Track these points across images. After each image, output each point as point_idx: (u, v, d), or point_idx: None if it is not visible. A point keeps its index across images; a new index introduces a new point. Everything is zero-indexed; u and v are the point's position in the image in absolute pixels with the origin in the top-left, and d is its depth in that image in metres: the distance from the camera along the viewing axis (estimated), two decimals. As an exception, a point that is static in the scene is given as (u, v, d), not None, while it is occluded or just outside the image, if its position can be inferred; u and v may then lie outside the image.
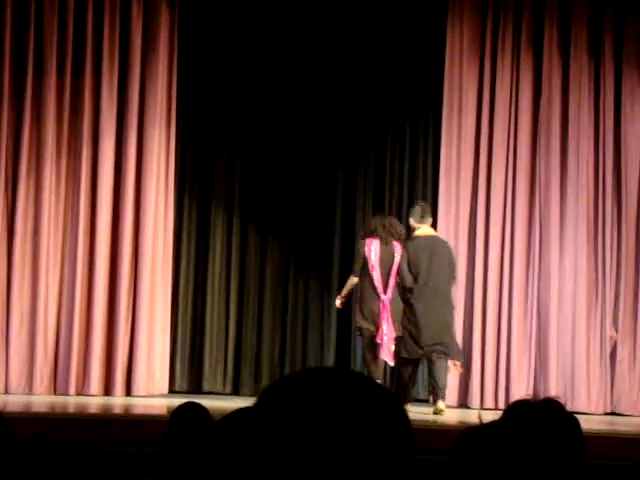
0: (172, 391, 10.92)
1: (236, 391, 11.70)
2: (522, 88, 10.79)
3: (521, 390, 10.15)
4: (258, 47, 11.69)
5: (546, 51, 10.77)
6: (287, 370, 11.81)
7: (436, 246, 9.54)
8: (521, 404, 2.71)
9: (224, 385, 11.76)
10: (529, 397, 2.77)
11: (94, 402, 9.64)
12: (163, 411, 8.56)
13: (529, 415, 2.62)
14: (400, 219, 11.42)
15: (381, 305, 9.34)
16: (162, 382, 10.67)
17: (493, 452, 2.19)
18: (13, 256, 10.21)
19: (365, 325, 9.43)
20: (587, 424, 2.93)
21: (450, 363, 9.40)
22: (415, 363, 9.50)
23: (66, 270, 10.36)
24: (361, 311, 9.48)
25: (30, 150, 10.32)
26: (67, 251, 10.39)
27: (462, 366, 9.71)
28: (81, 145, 10.44)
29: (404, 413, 1.21)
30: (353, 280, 9.62)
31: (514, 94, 10.80)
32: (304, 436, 1.15)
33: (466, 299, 10.68)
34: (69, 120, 10.44)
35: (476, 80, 10.85)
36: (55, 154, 10.37)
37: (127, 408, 9.49)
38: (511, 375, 10.50)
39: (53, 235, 10.33)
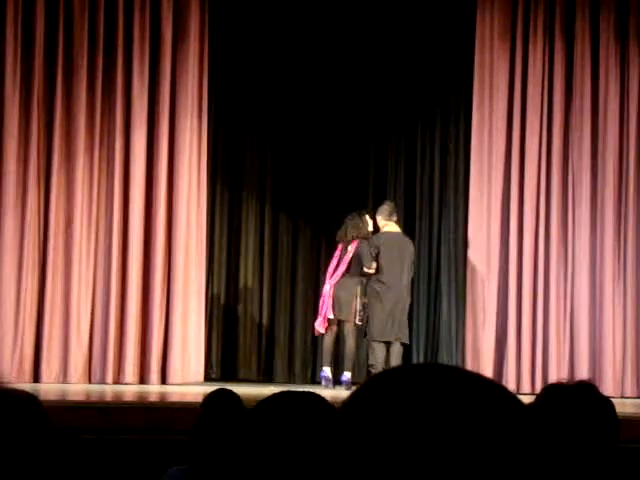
0: (207, 379, 10.96)
1: (270, 378, 11.74)
2: (554, 71, 10.71)
3: (555, 375, 10.13)
4: (289, 35, 11.68)
5: (577, 33, 10.68)
6: (319, 357, 11.81)
7: (402, 242, 10.56)
8: (555, 387, 2.70)
9: (258, 372, 11.80)
10: (563, 380, 2.75)
11: (130, 390, 9.70)
12: (198, 399, 8.58)
13: (563, 398, 2.61)
14: (431, 205, 11.53)
15: (325, 288, 10.53)
16: (197, 370, 10.71)
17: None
18: (47, 247, 10.27)
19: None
20: (620, 407, 2.91)
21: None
22: (386, 344, 10.42)
23: (100, 260, 10.41)
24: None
25: (62, 142, 10.37)
26: (101, 241, 10.44)
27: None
28: (113, 137, 10.48)
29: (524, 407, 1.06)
30: None
31: (545, 78, 10.72)
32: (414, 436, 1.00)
33: (500, 282, 10.65)
34: (101, 112, 10.48)
35: (507, 63, 10.77)
36: (87, 146, 10.41)
37: (163, 396, 9.53)
38: (546, 359, 10.46)
39: (86, 225, 10.38)
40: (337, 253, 10.58)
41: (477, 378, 1.06)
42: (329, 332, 10.54)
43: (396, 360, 10.43)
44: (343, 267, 10.46)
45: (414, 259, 10.72)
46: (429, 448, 0.99)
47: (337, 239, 10.67)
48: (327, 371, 10.44)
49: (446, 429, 1.00)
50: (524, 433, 1.03)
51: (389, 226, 10.56)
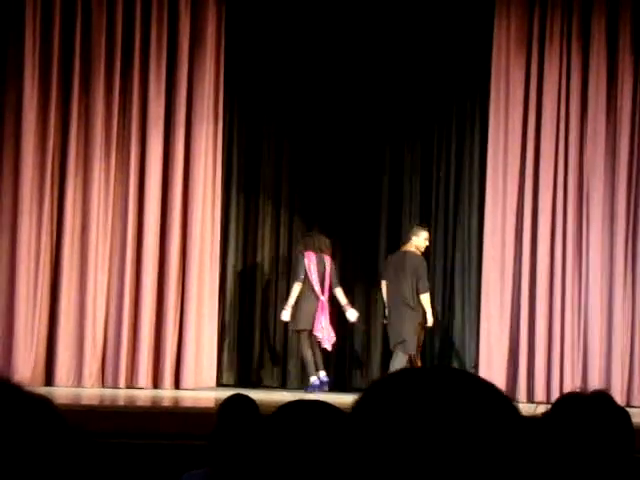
0: (220, 384, 10.97)
1: (284, 384, 11.73)
2: (570, 78, 10.70)
3: (568, 384, 10.12)
4: (305, 42, 11.69)
5: (593, 41, 10.67)
6: (332, 364, 11.81)
7: (404, 260, 10.84)
8: (570, 396, 2.69)
9: (272, 378, 11.79)
10: (578, 390, 2.74)
11: (143, 395, 9.71)
12: (211, 404, 8.60)
13: (579, 407, 2.60)
14: (446, 214, 11.56)
15: (319, 304, 10.76)
16: (210, 375, 10.72)
17: (542, 444, 2.18)
18: (62, 251, 10.29)
19: (301, 326, 10.80)
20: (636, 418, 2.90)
21: (405, 357, 10.76)
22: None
23: (114, 264, 10.43)
24: (296, 314, 10.81)
25: (78, 146, 10.40)
26: (116, 246, 10.46)
27: (418, 358, 11.04)
28: (129, 141, 10.50)
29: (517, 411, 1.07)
30: (297, 285, 10.85)
31: (562, 84, 10.70)
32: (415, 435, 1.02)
33: (513, 292, 10.64)
34: (117, 117, 10.50)
35: (523, 70, 10.76)
36: (104, 151, 10.44)
37: (176, 401, 9.54)
38: (560, 369, 10.45)
39: (102, 230, 10.41)
40: (310, 263, 10.83)
41: (484, 383, 1.08)
42: (307, 342, 10.86)
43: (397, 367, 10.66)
44: (328, 281, 10.89)
45: (413, 270, 10.80)
46: (433, 452, 1.01)
47: (305, 249, 10.94)
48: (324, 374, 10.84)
49: (446, 433, 1.02)
50: (519, 437, 1.04)
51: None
